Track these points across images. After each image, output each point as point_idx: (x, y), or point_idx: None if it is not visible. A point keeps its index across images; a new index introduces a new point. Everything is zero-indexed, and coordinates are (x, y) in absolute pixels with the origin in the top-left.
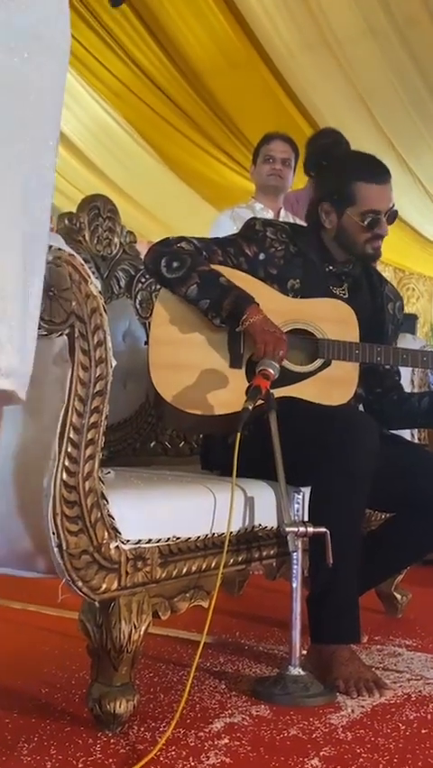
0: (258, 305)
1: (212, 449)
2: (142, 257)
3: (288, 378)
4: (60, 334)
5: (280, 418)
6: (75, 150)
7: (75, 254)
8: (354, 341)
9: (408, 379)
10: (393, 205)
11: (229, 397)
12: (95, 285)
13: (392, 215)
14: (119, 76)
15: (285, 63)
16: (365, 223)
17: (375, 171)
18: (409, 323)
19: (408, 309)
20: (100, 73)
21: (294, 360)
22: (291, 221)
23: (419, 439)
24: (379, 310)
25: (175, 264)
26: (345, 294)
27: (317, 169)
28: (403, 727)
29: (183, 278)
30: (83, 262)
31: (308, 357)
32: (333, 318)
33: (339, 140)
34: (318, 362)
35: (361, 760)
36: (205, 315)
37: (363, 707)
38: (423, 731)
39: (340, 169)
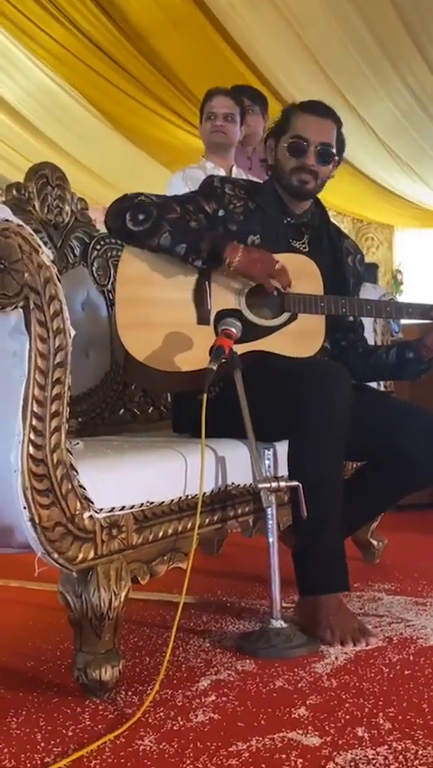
0: (234, 240)
1: (182, 411)
2: (96, 223)
3: (256, 332)
4: (15, 307)
5: (251, 375)
6: (20, 118)
7: (23, 224)
8: (318, 294)
9: (370, 328)
10: (329, 144)
11: (198, 353)
12: (47, 254)
13: (323, 153)
14: (60, 40)
15: (228, 16)
16: (289, 147)
17: (316, 106)
18: (370, 272)
19: (367, 259)
20: (41, 38)
21: (261, 314)
22: (245, 177)
23: (385, 387)
24: (339, 263)
25: (141, 216)
26: (305, 248)
27: None
28: (387, 670)
29: (153, 229)
30: (32, 232)
31: (274, 311)
32: (296, 272)
33: None
34: (285, 316)
35: (347, 705)
36: (185, 260)
37: (346, 653)
38: (406, 672)
39: (289, 106)
